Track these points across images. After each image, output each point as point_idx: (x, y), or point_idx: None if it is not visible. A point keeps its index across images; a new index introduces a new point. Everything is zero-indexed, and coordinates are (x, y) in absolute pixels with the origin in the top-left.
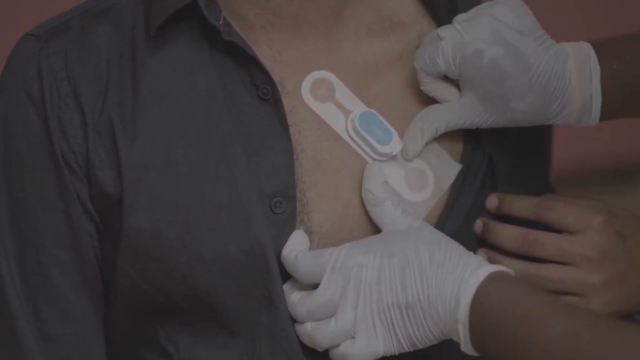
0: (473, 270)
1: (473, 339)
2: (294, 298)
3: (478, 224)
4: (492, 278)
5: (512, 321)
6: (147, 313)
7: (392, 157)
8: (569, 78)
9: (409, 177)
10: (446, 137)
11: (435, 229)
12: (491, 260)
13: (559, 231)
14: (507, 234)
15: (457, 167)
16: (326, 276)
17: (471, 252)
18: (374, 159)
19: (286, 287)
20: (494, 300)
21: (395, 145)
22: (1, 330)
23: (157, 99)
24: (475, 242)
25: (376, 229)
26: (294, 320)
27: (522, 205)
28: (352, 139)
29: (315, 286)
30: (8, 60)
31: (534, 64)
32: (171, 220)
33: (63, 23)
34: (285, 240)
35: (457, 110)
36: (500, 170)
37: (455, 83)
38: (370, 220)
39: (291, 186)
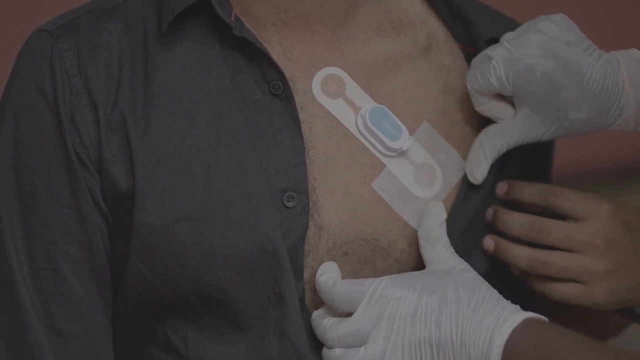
0: (509, 315)
1: None
2: (327, 323)
3: (489, 212)
4: (527, 323)
5: (547, 357)
6: (156, 309)
7: (401, 153)
8: (622, 84)
9: (417, 173)
10: (457, 134)
11: (477, 274)
12: (499, 247)
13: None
14: (515, 220)
15: (464, 165)
16: (362, 305)
17: (509, 301)
18: (384, 154)
19: (317, 313)
20: (527, 342)
21: (405, 141)
22: (11, 325)
23: (168, 95)
24: (486, 233)
25: (386, 224)
26: (319, 342)
27: (531, 191)
28: (362, 134)
29: (347, 315)
30: (18, 57)
31: (586, 73)
32: (182, 216)
33: (73, 20)
34: (296, 236)
35: (515, 127)
36: (512, 166)
37: (509, 100)
38: (379, 216)
39: (302, 181)
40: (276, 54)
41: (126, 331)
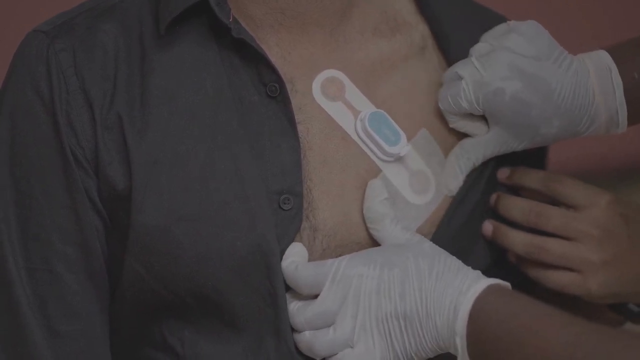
0: (471, 283)
1: (471, 352)
2: (293, 307)
3: (492, 197)
4: (490, 290)
5: (513, 331)
6: (153, 309)
7: (398, 158)
8: (592, 94)
9: (412, 180)
10: (453, 138)
11: (434, 244)
12: (497, 231)
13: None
14: (515, 205)
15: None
16: (326, 286)
17: (469, 267)
18: (381, 159)
19: (287, 295)
20: (492, 312)
21: (403, 147)
22: (8, 326)
23: (165, 96)
24: (478, 243)
25: None
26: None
27: (532, 177)
28: (360, 138)
29: (314, 297)
30: (14, 57)
31: (555, 89)
32: (179, 216)
33: (70, 20)
34: (291, 237)
35: (489, 142)
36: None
37: (482, 116)
38: None
39: (298, 183)
40: (275, 56)
41: (123, 331)
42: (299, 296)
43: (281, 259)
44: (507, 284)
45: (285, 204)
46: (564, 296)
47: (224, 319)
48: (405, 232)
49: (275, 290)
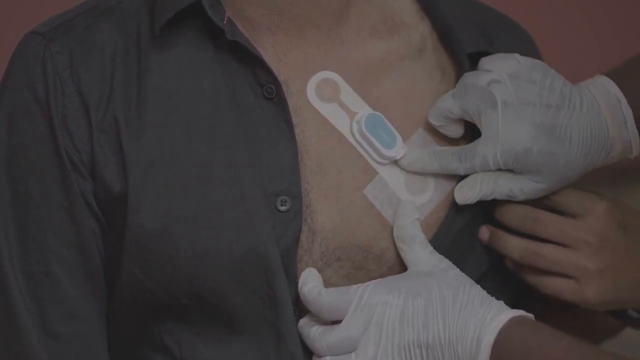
0: (495, 315)
1: None
2: (315, 332)
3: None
4: (513, 322)
5: None
6: (151, 311)
7: (394, 161)
8: (607, 128)
9: (409, 181)
10: (448, 141)
11: (460, 271)
12: (493, 236)
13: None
14: (512, 211)
15: (456, 177)
16: (350, 312)
17: (493, 298)
18: (377, 162)
19: (304, 321)
20: (516, 344)
21: (399, 149)
22: (5, 328)
23: (161, 98)
24: (475, 248)
25: (377, 231)
26: (306, 348)
27: None
28: (356, 140)
29: (333, 322)
30: (12, 58)
31: (574, 134)
32: (176, 218)
33: (67, 21)
34: (290, 239)
35: (516, 186)
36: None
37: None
38: (371, 223)
39: (296, 185)
40: (270, 58)
41: (121, 333)
42: (318, 320)
43: (284, 262)
44: (531, 316)
45: (282, 205)
46: (563, 302)
47: (222, 321)
48: (432, 257)
49: (274, 292)
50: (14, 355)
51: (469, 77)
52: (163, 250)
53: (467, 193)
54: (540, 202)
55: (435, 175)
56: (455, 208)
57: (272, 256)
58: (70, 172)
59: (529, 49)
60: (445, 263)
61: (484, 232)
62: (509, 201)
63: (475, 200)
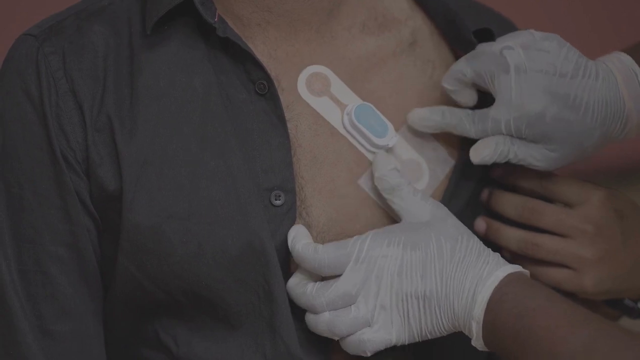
0: (492, 270)
1: (485, 338)
2: (311, 289)
3: (484, 192)
4: (510, 280)
5: (530, 328)
6: (146, 308)
7: (388, 149)
8: (623, 100)
9: (404, 169)
10: (444, 134)
11: (457, 220)
12: (490, 228)
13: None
14: (509, 201)
15: (450, 162)
16: (349, 266)
17: (490, 250)
18: (370, 152)
19: (293, 281)
20: (511, 303)
21: (391, 138)
22: (1, 328)
23: (154, 96)
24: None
25: (373, 221)
26: (302, 311)
27: (526, 174)
28: (348, 132)
29: (324, 277)
30: (5, 60)
31: (589, 102)
32: (170, 215)
33: (59, 22)
34: (284, 234)
35: (533, 156)
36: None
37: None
38: (367, 214)
39: (289, 180)
40: (261, 54)
41: (117, 331)
42: (309, 277)
43: (279, 256)
44: (526, 272)
45: (276, 199)
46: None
47: (217, 316)
48: (426, 202)
49: (269, 287)
50: (10, 355)
51: (481, 45)
52: (158, 248)
53: (483, 152)
54: (536, 192)
55: (429, 162)
56: (449, 195)
57: (268, 251)
58: (65, 171)
59: None
60: (442, 210)
61: (480, 224)
62: (505, 191)
63: (491, 161)
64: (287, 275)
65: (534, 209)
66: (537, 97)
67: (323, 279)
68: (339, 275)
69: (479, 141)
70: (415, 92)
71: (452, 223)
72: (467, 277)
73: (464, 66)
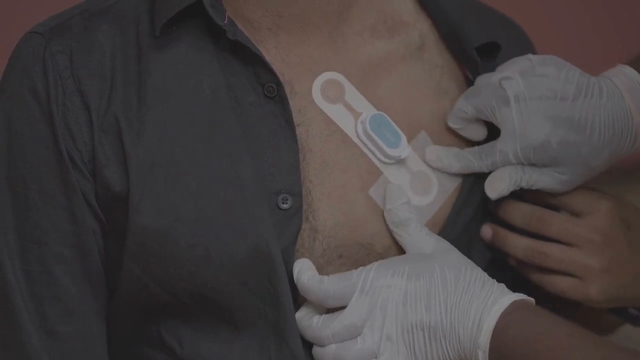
0: (497, 298)
1: None
2: (316, 322)
3: (491, 200)
4: (515, 307)
5: (536, 352)
6: (151, 310)
7: (399, 160)
8: (630, 114)
9: (414, 182)
10: (450, 138)
11: (460, 253)
12: (497, 235)
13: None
14: (516, 209)
15: (460, 176)
16: (354, 297)
17: (494, 280)
18: (382, 162)
19: (300, 314)
20: (516, 330)
21: (403, 149)
22: (5, 327)
23: (162, 98)
24: (476, 244)
25: (381, 230)
26: (309, 343)
27: None
28: (361, 140)
29: (329, 310)
30: (11, 58)
31: (595, 122)
32: (176, 218)
33: (65, 22)
34: (290, 237)
35: (546, 180)
36: None
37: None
38: (375, 223)
39: (296, 184)
40: (273, 58)
41: (121, 332)
42: (315, 310)
43: (283, 259)
44: (532, 300)
45: (283, 203)
46: (566, 300)
47: (223, 319)
48: (430, 238)
49: (275, 290)
50: (13, 355)
51: (480, 78)
52: (164, 250)
53: (500, 186)
54: (544, 201)
55: (439, 175)
56: (458, 207)
57: (274, 254)
58: (71, 171)
59: (526, 46)
60: (445, 244)
61: (487, 230)
62: (513, 200)
63: (508, 192)
64: (291, 278)
65: (542, 217)
66: (539, 124)
67: (329, 311)
68: (344, 307)
69: (491, 175)
70: (425, 100)
71: (456, 255)
72: (472, 306)
73: (464, 105)
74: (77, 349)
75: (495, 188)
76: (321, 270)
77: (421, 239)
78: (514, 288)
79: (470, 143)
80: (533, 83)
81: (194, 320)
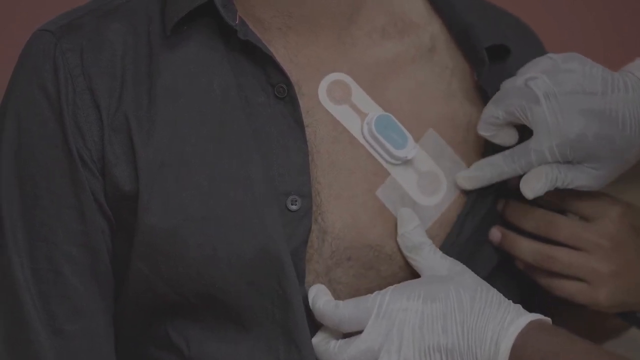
0: (513, 319)
1: None
2: (333, 347)
3: (500, 203)
4: (531, 327)
5: None
6: (158, 310)
7: (406, 161)
8: None
9: (421, 181)
10: (463, 143)
11: (474, 274)
12: (505, 238)
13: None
14: (525, 213)
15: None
16: (371, 321)
17: (510, 301)
18: (389, 162)
19: (317, 339)
20: (533, 349)
21: (410, 150)
22: (13, 326)
23: (172, 97)
24: (484, 247)
25: (389, 231)
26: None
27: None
28: (367, 141)
29: (346, 335)
30: (21, 55)
31: (625, 114)
32: (186, 217)
33: (76, 19)
34: (299, 239)
35: (582, 180)
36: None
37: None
38: (383, 224)
39: (306, 185)
40: (281, 58)
41: (128, 331)
42: (332, 334)
43: (293, 261)
44: (548, 320)
45: (292, 204)
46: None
47: (230, 319)
48: (445, 260)
49: (284, 292)
50: (20, 352)
51: (505, 83)
52: (173, 250)
53: (536, 185)
54: (553, 204)
55: (447, 174)
56: (467, 207)
57: (283, 256)
58: (80, 170)
59: (535, 46)
60: (460, 266)
61: (495, 234)
62: (522, 203)
63: (544, 192)
64: (301, 280)
65: (551, 221)
66: (574, 118)
67: (345, 336)
68: (361, 332)
69: (527, 174)
70: (434, 101)
71: (470, 276)
72: (489, 327)
73: (494, 110)
74: (84, 348)
75: (532, 187)
76: (330, 272)
77: (436, 262)
78: (519, 293)
79: (478, 147)
80: (560, 79)
81: (202, 320)
